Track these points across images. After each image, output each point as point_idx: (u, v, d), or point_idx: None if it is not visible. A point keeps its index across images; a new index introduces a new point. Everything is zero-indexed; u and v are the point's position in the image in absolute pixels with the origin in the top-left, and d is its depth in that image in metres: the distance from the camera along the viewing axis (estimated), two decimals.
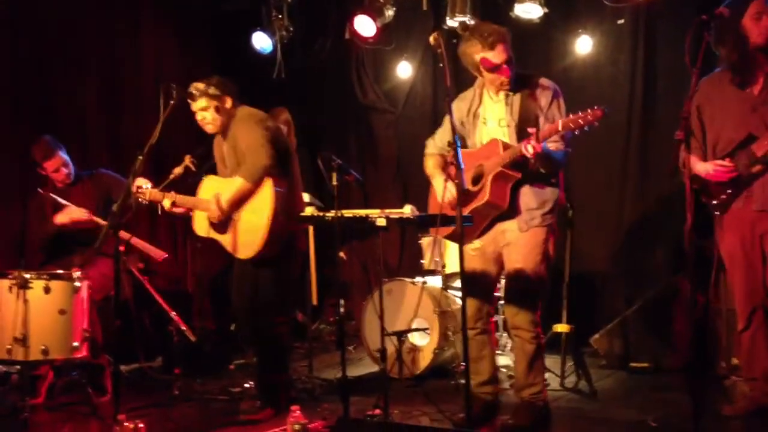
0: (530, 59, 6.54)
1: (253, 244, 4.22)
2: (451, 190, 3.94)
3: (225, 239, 4.36)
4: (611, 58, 6.24)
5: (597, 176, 6.27)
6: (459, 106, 4.13)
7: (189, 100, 4.32)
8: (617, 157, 6.21)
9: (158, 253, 5.42)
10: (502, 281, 4.57)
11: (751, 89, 3.82)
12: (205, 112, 4.34)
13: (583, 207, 5.83)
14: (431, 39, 3.56)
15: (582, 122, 3.61)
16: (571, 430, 3.98)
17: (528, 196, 3.94)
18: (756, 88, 3.81)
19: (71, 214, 5.08)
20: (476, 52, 3.89)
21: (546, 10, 5.95)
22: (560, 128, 3.68)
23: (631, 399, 4.61)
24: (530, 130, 3.70)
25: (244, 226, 4.27)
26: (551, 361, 5.09)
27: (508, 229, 3.98)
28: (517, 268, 3.95)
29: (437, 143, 4.25)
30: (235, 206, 4.26)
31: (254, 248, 4.22)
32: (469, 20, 5.88)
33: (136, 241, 5.35)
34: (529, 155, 3.69)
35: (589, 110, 3.61)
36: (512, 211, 3.94)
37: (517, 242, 3.96)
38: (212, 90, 4.32)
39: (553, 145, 3.86)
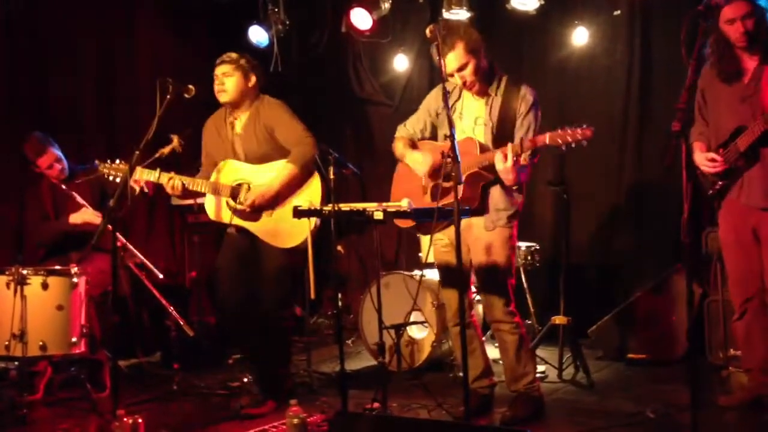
0: (526, 51, 6.57)
1: (302, 232, 4.19)
2: (427, 160, 4.02)
3: (259, 227, 4.30)
4: (608, 49, 6.23)
5: (594, 168, 6.26)
6: (437, 96, 4.16)
7: (218, 65, 4.34)
8: (614, 149, 6.21)
9: (157, 273, 5.38)
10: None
11: (739, 80, 3.84)
12: (226, 78, 4.32)
13: (580, 199, 5.84)
14: (427, 31, 3.57)
15: (570, 139, 3.64)
16: (568, 422, 3.99)
17: (498, 197, 4.00)
18: (745, 79, 3.83)
19: (84, 216, 5.07)
20: (434, 57, 3.88)
21: (542, 2, 5.94)
22: (547, 141, 3.70)
23: (628, 390, 4.61)
24: (509, 147, 3.75)
25: (290, 214, 4.23)
26: (549, 353, 5.11)
27: (475, 224, 4.02)
28: (486, 263, 4.00)
29: (408, 129, 4.28)
30: (283, 194, 4.26)
31: (302, 237, 4.20)
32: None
33: (135, 253, 5.31)
34: (501, 167, 3.75)
35: (578, 128, 3.64)
36: (481, 209, 4.00)
37: (484, 238, 4.01)
38: (243, 61, 4.37)
39: (522, 156, 3.88)
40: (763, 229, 3.85)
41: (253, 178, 4.32)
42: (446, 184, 3.86)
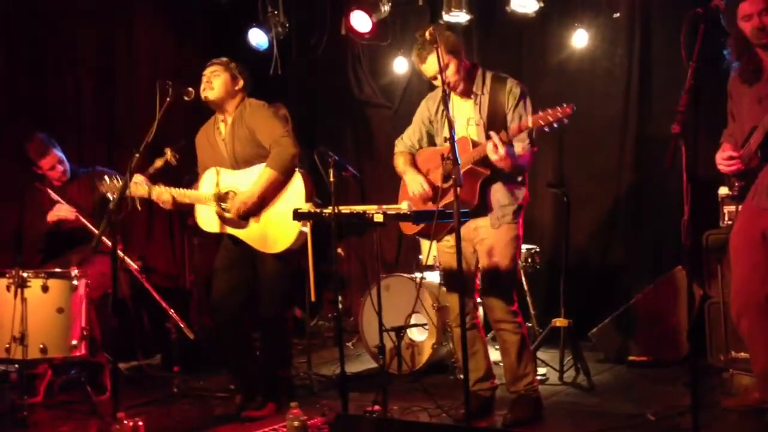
0: (526, 53, 6.57)
1: (289, 236, 4.18)
2: (424, 186, 4.07)
3: (248, 234, 4.28)
4: (607, 51, 6.24)
5: (594, 169, 6.27)
6: (428, 105, 4.25)
7: (207, 67, 4.37)
8: (614, 151, 6.21)
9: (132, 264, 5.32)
10: None
11: (759, 80, 3.81)
12: (214, 77, 4.32)
13: (580, 200, 5.84)
14: (427, 34, 3.57)
15: (551, 118, 3.67)
16: (569, 424, 3.99)
17: (500, 193, 4.01)
18: (763, 79, 3.80)
19: (59, 212, 5.06)
20: (417, 65, 4.06)
21: (542, 4, 5.95)
22: (530, 124, 3.74)
23: (629, 393, 4.62)
24: (494, 135, 3.77)
25: (275, 218, 4.21)
26: (550, 355, 5.11)
27: (481, 225, 4.03)
28: (492, 264, 4.00)
29: (406, 142, 4.35)
30: (267, 199, 4.22)
31: (289, 241, 4.19)
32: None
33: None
34: (493, 157, 3.76)
35: (558, 107, 3.66)
36: (483, 208, 4.01)
37: (490, 238, 4.01)
38: (233, 65, 4.39)
39: (519, 145, 3.92)
40: None
41: (239, 185, 4.29)
42: (445, 185, 3.87)
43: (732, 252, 3.97)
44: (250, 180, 4.24)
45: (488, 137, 3.91)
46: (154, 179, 4.35)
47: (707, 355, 4.86)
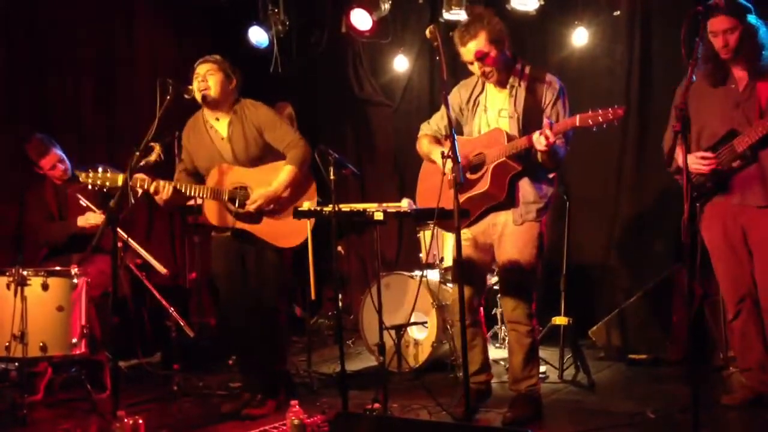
0: (527, 51, 6.55)
1: (303, 231, 4.24)
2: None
3: (261, 228, 4.29)
4: (608, 49, 6.24)
5: (594, 168, 6.27)
6: (459, 93, 4.16)
7: (200, 64, 4.34)
8: (614, 149, 6.21)
9: (161, 268, 5.36)
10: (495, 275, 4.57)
11: (735, 86, 3.84)
12: (210, 76, 4.30)
13: (580, 199, 5.84)
14: (427, 32, 3.57)
15: (601, 119, 3.59)
16: (569, 422, 3.98)
17: (526, 189, 3.94)
18: (740, 84, 3.83)
19: (90, 219, 5.07)
20: (458, 46, 3.95)
21: (542, 2, 5.95)
22: (578, 123, 3.65)
23: (629, 391, 4.62)
24: (545, 122, 3.68)
25: (289, 215, 4.21)
26: (550, 353, 5.10)
27: (502, 221, 3.98)
28: (512, 261, 3.95)
29: (432, 126, 4.26)
30: (285, 195, 4.28)
31: (303, 235, 4.24)
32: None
33: (137, 248, 5.29)
34: (541, 147, 3.67)
35: (609, 108, 3.59)
36: (509, 202, 3.95)
37: (511, 235, 3.96)
38: (226, 65, 4.38)
39: (558, 141, 3.86)
40: (754, 229, 3.85)
41: (250, 181, 4.30)
42: (471, 176, 3.87)
43: (714, 254, 4.00)
44: (265, 177, 4.27)
45: (523, 131, 3.86)
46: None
47: (707, 353, 4.86)
